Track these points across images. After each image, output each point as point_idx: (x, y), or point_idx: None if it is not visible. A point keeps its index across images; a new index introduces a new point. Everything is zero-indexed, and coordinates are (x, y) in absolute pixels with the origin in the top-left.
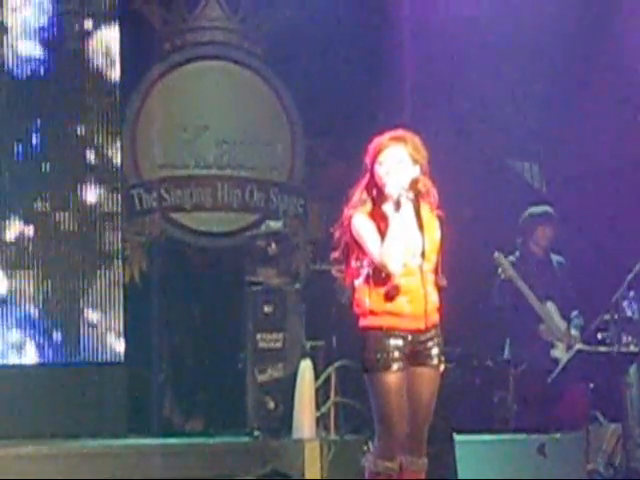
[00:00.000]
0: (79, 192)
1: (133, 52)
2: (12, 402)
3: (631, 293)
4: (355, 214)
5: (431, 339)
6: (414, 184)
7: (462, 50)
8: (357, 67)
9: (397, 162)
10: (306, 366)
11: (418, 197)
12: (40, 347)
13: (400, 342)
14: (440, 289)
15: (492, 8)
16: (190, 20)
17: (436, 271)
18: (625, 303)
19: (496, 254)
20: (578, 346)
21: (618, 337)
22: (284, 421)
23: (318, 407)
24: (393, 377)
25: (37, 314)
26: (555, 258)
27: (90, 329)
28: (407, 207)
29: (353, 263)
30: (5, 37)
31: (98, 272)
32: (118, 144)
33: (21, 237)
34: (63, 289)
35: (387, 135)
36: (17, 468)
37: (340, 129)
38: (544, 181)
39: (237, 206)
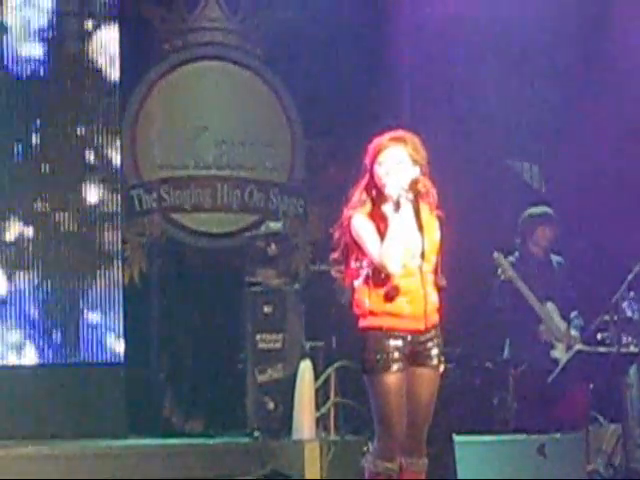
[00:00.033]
0: (79, 192)
1: (133, 52)
2: (12, 402)
3: (631, 294)
4: (355, 215)
5: (431, 340)
6: (414, 185)
7: (462, 50)
8: (357, 67)
9: (397, 163)
10: (306, 367)
11: (418, 198)
12: (40, 348)
13: (400, 343)
14: (440, 290)
15: (492, 8)
16: (190, 21)
17: (436, 272)
18: (625, 304)
19: (496, 254)
20: (578, 346)
21: (618, 337)
22: (284, 422)
23: (318, 408)
24: (393, 378)
25: (37, 314)
26: (555, 258)
27: (90, 329)
28: (407, 208)
29: (353, 264)
30: (5, 37)
31: (98, 272)
32: (118, 144)
33: (21, 237)
34: (63, 289)
35: (387, 136)
36: (17, 468)
37: (340, 130)
38: (544, 181)
39: (237, 207)
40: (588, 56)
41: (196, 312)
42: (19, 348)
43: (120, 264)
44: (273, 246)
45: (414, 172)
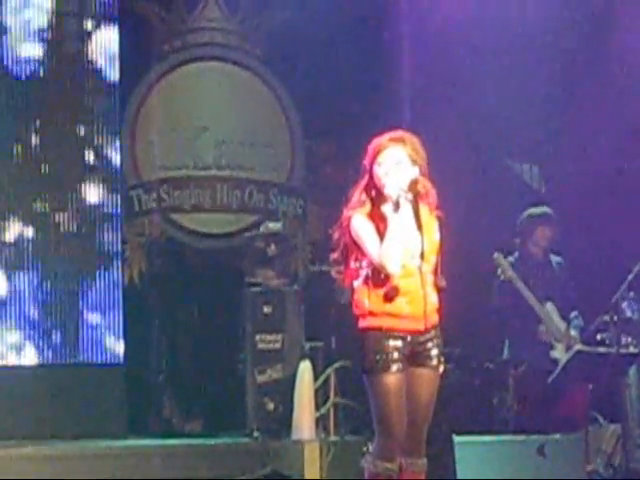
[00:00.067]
0: (78, 193)
1: (132, 53)
2: (11, 403)
3: (631, 294)
4: (354, 215)
5: (430, 340)
6: (413, 185)
7: (462, 51)
8: (356, 68)
9: (396, 163)
10: (305, 367)
11: (417, 198)
12: (39, 348)
13: (399, 343)
14: (439, 290)
15: (492, 8)
16: (189, 21)
17: (435, 272)
18: (625, 304)
19: (495, 255)
20: (578, 347)
21: (618, 338)
22: (283, 422)
23: (317, 408)
24: (392, 378)
25: (36, 315)
26: (554, 259)
27: (90, 330)
28: (406, 208)
29: (352, 264)
30: (4, 38)
31: (97, 273)
32: (117, 145)
33: (20, 238)
34: (62, 290)
35: (386, 136)
36: (17, 469)
37: (339, 130)
38: (543, 182)
39: (236, 207)
40: (588, 56)
41: (196, 312)
42: (19, 348)
43: (120, 264)
44: (273, 246)
45: (413, 172)
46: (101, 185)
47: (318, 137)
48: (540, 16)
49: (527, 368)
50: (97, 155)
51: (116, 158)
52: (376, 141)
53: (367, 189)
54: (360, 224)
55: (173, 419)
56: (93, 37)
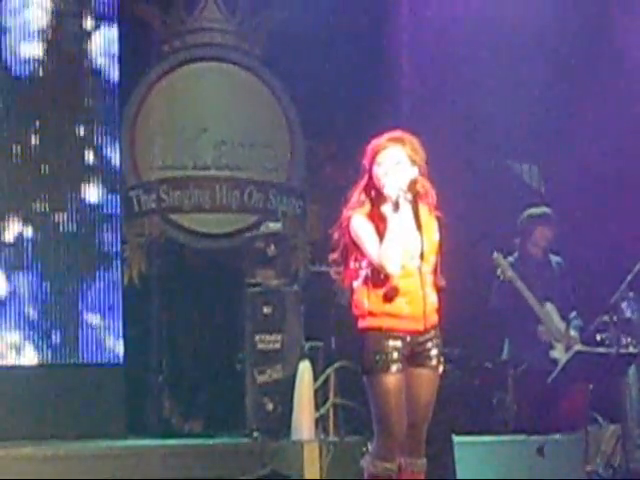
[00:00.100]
0: (78, 193)
1: (132, 53)
2: (11, 403)
3: (630, 294)
4: (354, 215)
5: (430, 340)
6: (413, 185)
7: (461, 51)
8: (356, 68)
9: (395, 163)
10: (305, 367)
11: (417, 198)
12: (39, 348)
13: (399, 343)
14: (439, 290)
15: (492, 8)
16: (189, 22)
17: (435, 272)
18: (624, 304)
19: (495, 255)
20: (577, 347)
21: (617, 338)
22: (283, 422)
23: (317, 408)
24: (392, 378)
25: (36, 315)
26: (554, 259)
27: (89, 330)
28: (406, 208)
29: (352, 264)
30: (4, 38)
31: (97, 273)
32: (117, 145)
33: (20, 238)
34: (62, 290)
35: (385, 136)
36: (16, 469)
37: (339, 130)
38: (543, 182)
39: (236, 207)
40: (588, 57)
41: (195, 313)
42: (18, 348)
43: (119, 265)
44: (272, 247)
45: (413, 172)
46: (101, 185)
47: (318, 137)
48: (539, 16)
49: (527, 368)
50: (97, 155)
51: (116, 158)
52: (375, 141)
53: (366, 189)
54: (359, 224)
55: (173, 419)
56: (93, 37)
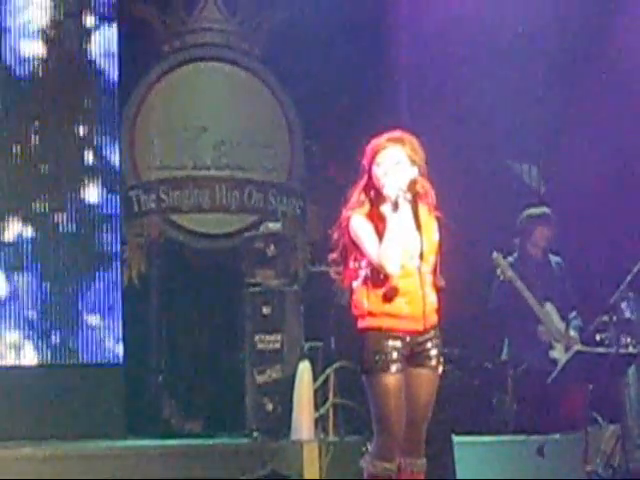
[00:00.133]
0: (78, 193)
1: (132, 53)
2: (11, 403)
3: (630, 294)
4: (353, 215)
5: (430, 340)
6: (412, 185)
7: (461, 51)
8: (356, 68)
9: (395, 163)
10: (305, 367)
11: (416, 198)
12: (39, 348)
13: (398, 343)
14: (438, 290)
15: (492, 9)
16: (189, 22)
17: (434, 272)
18: (624, 304)
19: (495, 255)
20: (577, 347)
21: (617, 338)
22: (283, 422)
23: (317, 408)
24: (392, 378)
25: (36, 315)
26: (554, 259)
27: (89, 330)
28: (405, 208)
29: (351, 264)
30: (4, 38)
31: (97, 274)
32: (117, 145)
33: (20, 238)
34: (62, 290)
35: (385, 136)
36: (16, 469)
37: (339, 130)
38: (542, 182)
39: (235, 207)
40: (588, 57)
41: (195, 313)
42: (18, 349)
43: (119, 265)
44: (272, 247)
45: (412, 172)
46: (100, 185)
47: (317, 137)
48: (539, 16)
49: (526, 368)
50: (96, 155)
51: (115, 158)
52: (375, 141)
53: (366, 189)
54: (359, 224)
55: (172, 419)
56: (93, 37)
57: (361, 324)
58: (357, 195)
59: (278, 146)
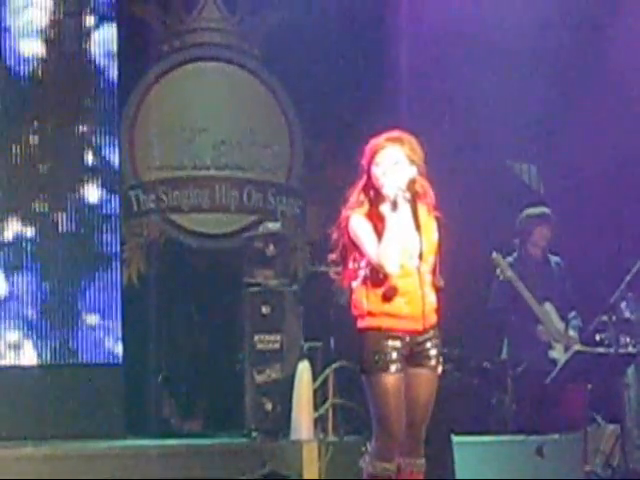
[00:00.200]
0: (77, 193)
1: (131, 53)
2: (10, 403)
3: (629, 294)
4: (352, 215)
5: (429, 340)
6: (411, 185)
7: (461, 51)
8: (355, 68)
9: (394, 163)
10: (304, 367)
11: (415, 198)
12: (38, 348)
13: (398, 343)
14: (438, 290)
15: (492, 9)
16: (188, 21)
17: (434, 272)
18: (623, 304)
19: (494, 255)
20: (576, 347)
21: (616, 338)
22: (282, 422)
23: (316, 408)
24: (391, 378)
25: (35, 315)
26: (553, 259)
27: (88, 330)
28: (404, 208)
29: (351, 264)
30: (4, 38)
31: (96, 273)
32: (116, 145)
33: (19, 238)
34: (61, 290)
35: (384, 136)
36: (16, 469)
37: (338, 130)
38: (542, 182)
39: (235, 207)
40: (587, 57)
41: (194, 313)
42: (18, 348)
43: (118, 265)
44: (271, 247)
45: (411, 172)
46: (100, 185)
47: (317, 137)
48: (539, 16)
49: (526, 368)
50: (96, 155)
51: (115, 158)
52: (373, 141)
53: (365, 189)
54: (358, 224)
55: (172, 419)
56: (92, 37)
57: (360, 324)
58: (356, 195)
59: (277, 146)
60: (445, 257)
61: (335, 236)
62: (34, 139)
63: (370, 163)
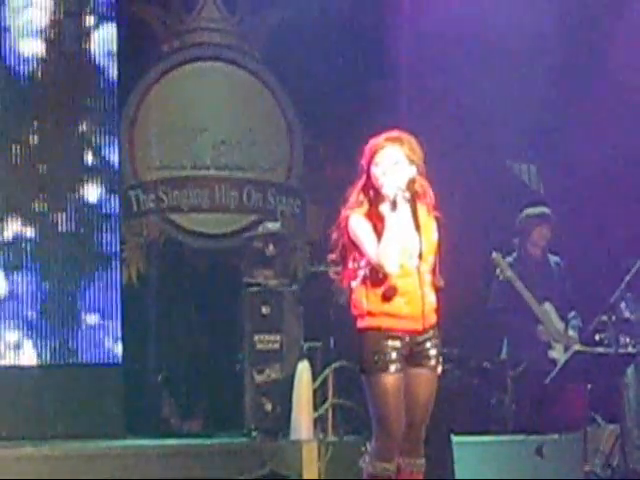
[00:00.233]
0: (77, 193)
1: (131, 53)
2: (10, 403)
3: (629, 294)
4: (352, 215)
5: (429, 340)
6: (411, 184)
7: (460, 51)
8: (355, 68)
9: (393, 163)
10: (304, 367)
11: (415, 198)
12: (38, 348)
13: (398, 343)
14: (437, 290)
15: (491, 8)
16: (188, 21)
17: (433, 272)
18: (623, 304)
19: (494, 255)
20: (576, 347)
21: (616, 338)
22: (282, 422)
23: (316, 408)
24: (391, 378)
25: (35, 315)
26: (553, 259)
27: (88, 330)
28: (404, 207)
29: (350, 264)
30: (4, 38)
31: (96, 273)
32: (116, 145)
33: (19, 238)
34: (61, 290)
35: (383, 136)
36: (15, 469)
37: (338, 130)
38: (541, 182)
39: (235, 207)
40: (588, 57)
41: (194, 313)
42: (17, 348)
43: (118, 265)
44: (271, 247)
45: (411, 172)
46: (100, 185)
47: (316, 137)
48: (538, 17)
49: (525, 368)
50: (96, 155)
51: (115, 158)
52: (373, 141)
53: (365, 189)
54: (358, 224)
55: (171, 419)
56: (92, 37)
57: (360, 324)
58: (356, 195)
59: (277, 146)
60: (445, 257)
61: (335, 236)
62: (34, 139)
63: (370, 163)
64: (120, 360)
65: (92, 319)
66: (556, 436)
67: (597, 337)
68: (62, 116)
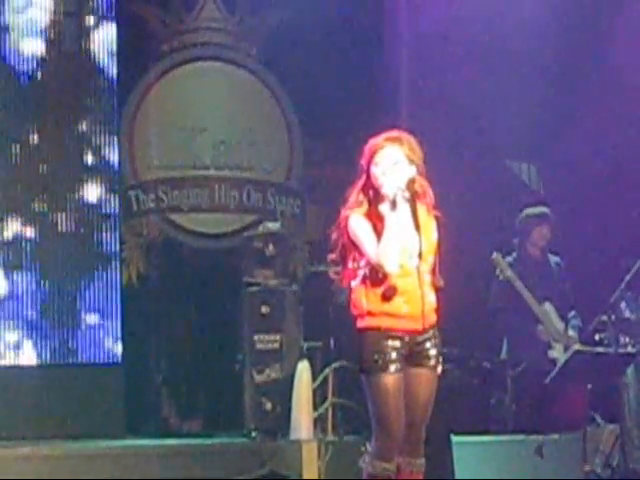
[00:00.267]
0: (77, 193)
1: (131, 53)
2: (10, 403)
3: (629, 294)
4: (351, 215)
5: (429, 340)
6: (410, 184)
7: (460, 51)
8: (355, 68)
9: (393, 162)
10: (303, 367)
11: (415, 197)
12: (38, 348)
13: (397, 343)
14: (437, 290)
15: (491, 9)
16: (187, 21)
17: (433, 272)
18: (623, 304)
19: (494, 255)
20: (576, 347)
21: (616, 338)
22: (282, 422)
23: (316, 408)
24: (390, 378)
25: (35, 315)
26: (553, 259)
27: (88, 330)
28: (403, 207)
29: (350, 264)
30: (4, 37)
31: (96, 273)
32: (116, 145)
33: (19, 238)
34: (61, 290)
35: (383, 136)
36: (15, 469)
37: (338, 130)
38: (541, 182)
39: (234, 207)
40: (588, 57)
41: (194, 312)
42: (17, 348)
43: (118, 265)
44: (271, 246)
45: (410, 172)
46: (99, 185)
47: (316, 137)
48: (538, 17)
49: (525, 368)
50: (95, 155)
51: (115, 158)
52: (373, 141)
53: (364, 189)
54: (357, 224)
55: (171, 419)
56: (92, 37)
57: (360, 324)
58: (356, 195)
59: (277, 146)
60: (445, 257)
61: (334, 236)
62: (34, 139)
63: (369, 163)
64: (120, 360)
65: (92, 319)
66: (556, 436)
67: (597, 337)
68: (62, 116)
